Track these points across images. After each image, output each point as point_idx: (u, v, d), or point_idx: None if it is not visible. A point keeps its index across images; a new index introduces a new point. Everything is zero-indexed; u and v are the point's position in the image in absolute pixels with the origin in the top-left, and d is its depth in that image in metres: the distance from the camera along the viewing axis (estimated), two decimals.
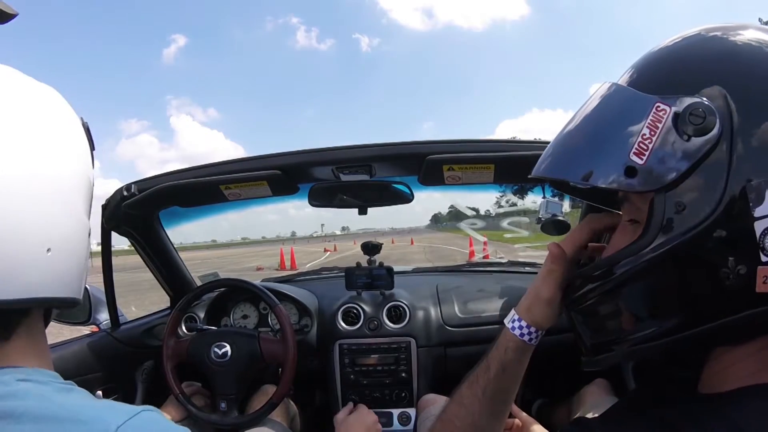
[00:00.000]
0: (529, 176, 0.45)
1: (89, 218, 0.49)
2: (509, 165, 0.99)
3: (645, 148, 0.36)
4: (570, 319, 0.47)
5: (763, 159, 0.34)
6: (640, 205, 0.40)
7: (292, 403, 1.26)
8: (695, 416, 0.36)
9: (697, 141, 0.35)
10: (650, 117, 0.36)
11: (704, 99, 0.35)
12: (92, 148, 0.50)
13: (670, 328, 0.37)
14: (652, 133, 0.36)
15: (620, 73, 0.44)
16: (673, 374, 0.44)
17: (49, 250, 0.40)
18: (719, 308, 0.35)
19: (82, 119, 0.49)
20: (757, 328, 0.35)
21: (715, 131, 0.34)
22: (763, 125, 0.34)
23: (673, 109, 0.36)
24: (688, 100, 0.35)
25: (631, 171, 0.36)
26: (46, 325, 0.47)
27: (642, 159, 0.36)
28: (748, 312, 0.34)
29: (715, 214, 0.34)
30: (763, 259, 0.32)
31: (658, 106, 0.36)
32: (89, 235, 0.48)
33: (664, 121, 0.36)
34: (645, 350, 0.39)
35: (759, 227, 0.32)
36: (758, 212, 0.32)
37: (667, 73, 0.40)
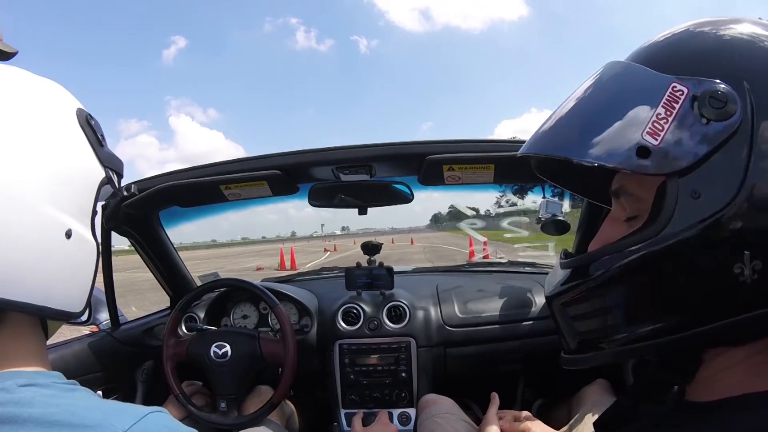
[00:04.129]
0: (518, 154, 0.42)
1: (82, 219, 0.45)
2: (509, 165, 0.99)
3: (660, 128, 0.33)
4: (552, 312, 0.43)
5: None
6: (640, 195, 0.37)
7: (288, 402, 1.26)
8: (679, 428, 0.35)
9: (717, 125, 0.32)
10: (666, 97, 0.34)
11: (724, 84, 0.33)
12: (99, 143, 0.47)
13: (671, 325, 0.34)
14: (668, 113, 0.33)
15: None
16: (664, 377, 0.42)
17: None
18: (727, 305, 0.32)
19: (88, 114, 0.47)
20: (753, 330, 0.33)
21: (735, 117, 0.32)
22: None
23: (692, 91, 0.33)
24: (707, 83, 0.33)
25: (643, 151, 0.33)
26: (47, 328, 0.46)
27: (656, 139, 0.33)
28: (760, 311, 0.31)
29: (734, 203, 0.31)
30: None
31: (675, 86, 0.34)
32: (69, 236, 0.43)
33: (681, 102, 0.33)
34: (637, 350, 0.36)
35: None
36: None
37: (683, 55, 0.36)
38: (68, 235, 0.42)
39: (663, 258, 0.34)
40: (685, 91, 0.33)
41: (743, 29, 0.36)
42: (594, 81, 0.39)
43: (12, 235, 0.38)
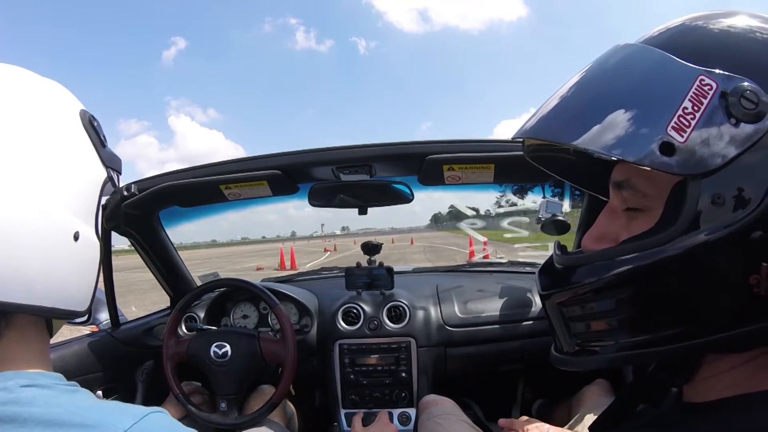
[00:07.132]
0: (516, 136, 0.38)
1: (88, 220, 0.45)
2: (509, 165, 0.99)
3: (686, 124, 0.30)
4: (546, 311, 0.41)
5: None
6: (647, 192, 0.35)
7: (289, 403, 1.26)
8: (677, 426, 0.34)
9: (747, 127, 0.30)
10: (693, 90, 0.31)
11: (753, 83, 0.31)
12: (102, 144, 0.47)
13: (672, 335, 0.33)
14: (695, 108, 0.31)
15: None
16: (662, 378, 0.41)
17: None
18: (735, 317, 0.31)
19: (91, 115, 0.47)
20: (757, 340, 0.32)
21: (766, 120, 0.30)
22: None
23: (720, 87, 0.31)
24: (737, 80, 0.31)
25: (667, 148, 0.30)
26: (51, 328, 0.46)
27: (682, 136, 0.30)
28: (767, 323, 0.30)
29: (757, 211, 0.30)
30: None
31: (703, 80, 0.31)
32: (77, 238, 0.43)
33: (709, 98, 0.31)
34: (634, 357, 0.35)
35: None
36: None
37: (711, 46, 0.33)
38: (76, 237, 0.43)
39: (677, 264, 0.32)
40: (714, 86, 0.31)
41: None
42: (607, 63, 0.36)
43: (23, 241, 0.38)
